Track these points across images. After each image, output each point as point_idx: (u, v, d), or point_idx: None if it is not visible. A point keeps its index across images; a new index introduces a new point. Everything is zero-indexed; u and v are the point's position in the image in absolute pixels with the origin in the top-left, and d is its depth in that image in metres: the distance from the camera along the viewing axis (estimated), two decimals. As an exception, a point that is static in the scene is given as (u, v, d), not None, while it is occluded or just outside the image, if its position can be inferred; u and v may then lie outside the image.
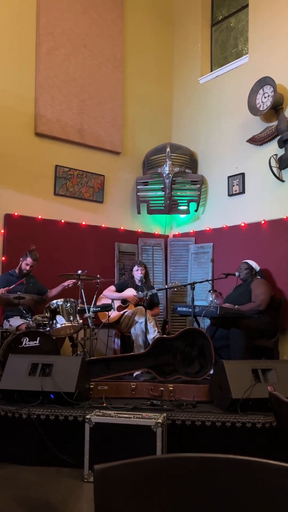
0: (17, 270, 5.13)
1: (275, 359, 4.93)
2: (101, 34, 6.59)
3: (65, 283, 5.21)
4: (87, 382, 3.81)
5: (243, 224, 6.03)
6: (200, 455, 0.93)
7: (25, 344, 4.20)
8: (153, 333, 4.97)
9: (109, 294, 5.49)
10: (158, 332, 5.04)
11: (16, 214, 5.65)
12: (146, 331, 4.89)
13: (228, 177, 6.34)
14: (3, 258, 5.51)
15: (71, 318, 4.52)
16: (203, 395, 3.76)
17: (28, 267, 5.06)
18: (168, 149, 6.64)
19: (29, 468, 3.26)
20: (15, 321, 4.79)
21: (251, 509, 0.91)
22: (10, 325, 4.80)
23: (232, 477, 0.91)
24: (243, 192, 6.17)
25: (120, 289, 5.55)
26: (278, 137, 5.66)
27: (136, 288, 5.50)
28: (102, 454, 3.01)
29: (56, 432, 3.32)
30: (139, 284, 5.48)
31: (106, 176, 6.52)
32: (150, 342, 4.55)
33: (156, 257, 6.72)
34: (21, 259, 5.12)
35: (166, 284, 6.53)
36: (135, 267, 5.52)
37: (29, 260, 5.04)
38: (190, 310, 5.00)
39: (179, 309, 5.36)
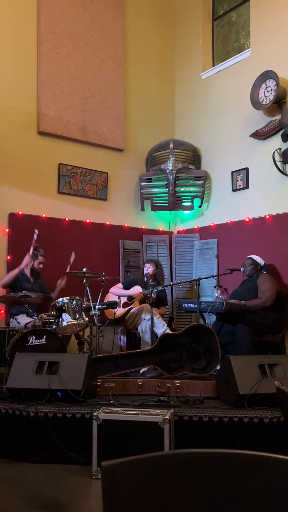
0: (27, 270, 5.15)
1: (282, 354, 4.92)
2: (102, 31, 6.57)
3: (58, 284, 5.29)
4: (94, 380, 3.82)
5: (247, 219, 6.02)
6: (208, 450, 0.93)
7: (32, 342, 4.21)
8: (162, 327, 4.97)
9: (116, 291, 5.50)
10: (167, 326, 5.04)
11: (20, 213, 5.66)
12: (152, 327, 4.89)
13: (232, 172, 6.33)
14: (8, 257, 5.52)
15: (77, 316, 4.52)
16: (210, 391, 3.76)
17: (41, 265, 5.21)
18: (171, 146, 6.63)
19: (38, 466, 3.27)
20: (23, 319, 4.82)
21: (259, 504, 0.90)
22: (18, 322, 4.83)
23: (240, 472, 0.91)
24: (247, 187, 6.15)
25: (127, 287, 5.56)
26: (282, 131, 5.63)
27: (143, 285, 5.50)
28: (110, 451, 3.02)
29: (63, 430, 3.34)
30: (147, 281, 5.48)
31: (109, 174, 6.52)
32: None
33: (160, 253, 6.71)
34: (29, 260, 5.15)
35: (172, 280, 6.54)
36: (146, 264, 5.54)
37: (40, 258, 5.19)
38: (195, 306, 5.00)
39: (184, 305, 5.36)
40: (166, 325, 5.05)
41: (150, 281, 5.38)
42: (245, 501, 0.91)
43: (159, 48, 7.30)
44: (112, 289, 5.53)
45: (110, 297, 5.51)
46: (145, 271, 5.47)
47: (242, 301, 4.96)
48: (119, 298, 5.46)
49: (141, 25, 7.10)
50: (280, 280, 5.39)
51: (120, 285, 5.61)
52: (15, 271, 4.96)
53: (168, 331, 4.92)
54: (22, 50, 5.86)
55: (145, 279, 5.46)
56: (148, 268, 5.48)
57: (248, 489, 0.91)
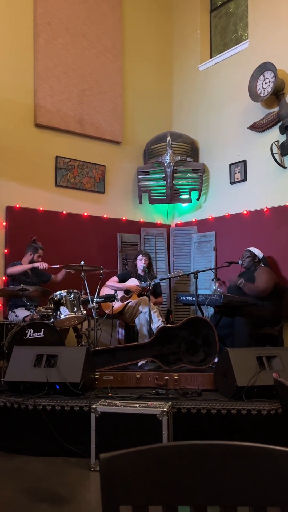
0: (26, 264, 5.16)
1: (279, 346, 4.93)
2: (99, 23, 6.52)
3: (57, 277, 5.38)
4: (92, 372, 3.82)
5: (245, 212, 6.01)
6: (206, 442, 0.93)
7: (30, 335, 4.21)
8: (157, 323, 4.97)
9: (112, 285, 5.48)
10: (162, 321, 5.04)
11: (17, 206, 5.64)
12: (150, 321, 4.89)
13: (230, 164, 6.31)
14: (6, 251, 5.51)
15: (75, 309, 4.52)
16: (208, 383, 3.77)
17: (40, 259, 5.19)
18: (168, 138, 6.60)
19: (37, 459, 3.28)
20: (21, 312, 4.82)
21: (257, 495, 0.90)
22: (16, 315, 4.83)
23: (238, 464, 0.91)
24: (245, 179, 6.13)
25: (123, 280, 5.55)
26: (280, 123, 5.61)
27: (138, 278, 5.49)
28: (108, 443, 3.03)
29: (62, 423, 3.34)
30: (142, 274, 5.47)
31: (107, 166, 6.49)
32: (154, 332, 4.55)
33: (158, 246, 6.70)
34: (29, 253, 5.14)
35: (169, 273, 6.53)
36: (139, 257, 5.52)
37: (40, 251, 5.18)
38: (193, 299, 5.00)
39: (182, 298, 5.36)
40: (161, 320, 5.05)
41: (147, 273, 5.36)
42: (243, 493, 0.91)
43: (156, 40, 7.26)
44: (108, 283, 5.51)
45: (105, 291, 5.49)
46: (142, 264, 5.46)
47: (242, 280, 4.95)
48: (115, 292, 5.45)
49: (138, 17, 7.04)
50: (278, 273, 5.40)
51: (115, 278, 5.59)
52: (28, 266, 5.00)
53: (162, 326, 4.92)
54: (19, 41, 5.81)
55: (142, 273, 5.45)
56: (144, 261, 5.47)
57: (245, 481, 0.91)
